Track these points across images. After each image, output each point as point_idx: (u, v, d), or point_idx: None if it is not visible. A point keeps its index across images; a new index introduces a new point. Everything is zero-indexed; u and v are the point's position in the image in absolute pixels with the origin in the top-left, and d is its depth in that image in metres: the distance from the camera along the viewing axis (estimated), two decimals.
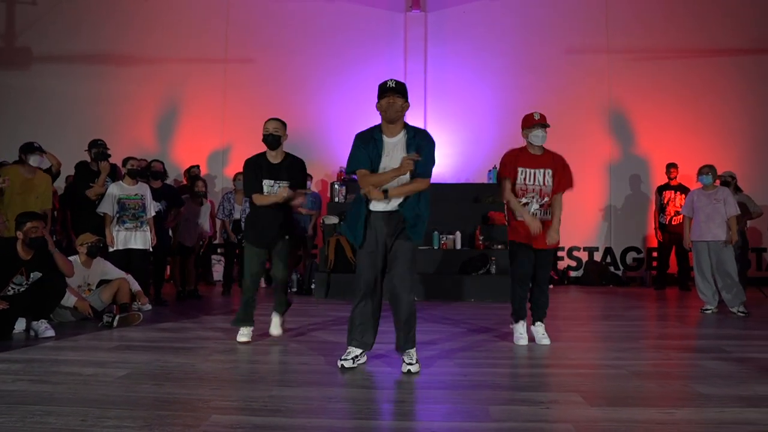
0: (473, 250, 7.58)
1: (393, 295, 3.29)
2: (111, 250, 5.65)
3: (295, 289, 7.74)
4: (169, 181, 7.27)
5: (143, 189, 5.90)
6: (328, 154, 9.50)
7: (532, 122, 4.11)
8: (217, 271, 9.17)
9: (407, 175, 3.25)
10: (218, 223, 7.80)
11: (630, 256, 9.58)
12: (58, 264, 4.49)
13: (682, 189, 8.36)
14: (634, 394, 2.84)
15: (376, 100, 3.28)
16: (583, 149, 9.23)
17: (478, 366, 3.47)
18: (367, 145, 3.29)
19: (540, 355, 3.84)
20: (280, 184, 4.09)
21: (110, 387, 2.86)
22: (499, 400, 2.72)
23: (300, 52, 9.93)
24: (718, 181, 6.23)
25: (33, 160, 5.51)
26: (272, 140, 4.11)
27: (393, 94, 3.20)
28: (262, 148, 4.17)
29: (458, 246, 7.64)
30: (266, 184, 4.10)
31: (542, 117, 4.12)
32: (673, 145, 9.34)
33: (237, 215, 7.37)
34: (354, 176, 3.44)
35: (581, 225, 9.36)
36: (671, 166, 8.58)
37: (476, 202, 8.12)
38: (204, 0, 10.18)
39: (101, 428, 2.26)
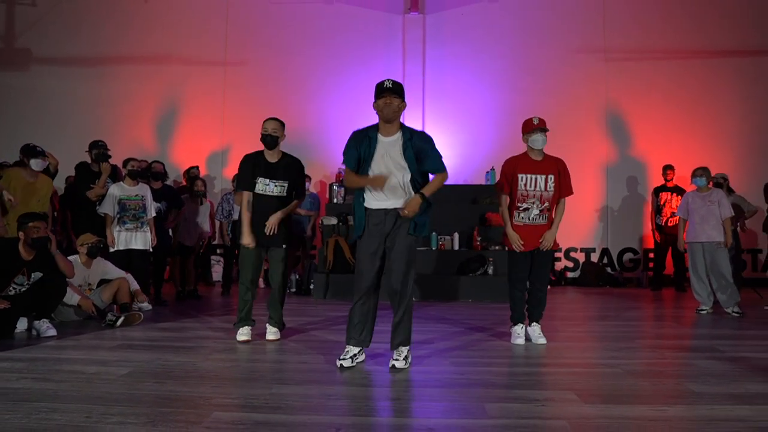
0: (471, 250, 7.63)
1: (391, 294, 3.35)
2: (112, 250, 5.69)
3: (294, 290, 7.79)
4: (168, 182, 7.32)
5: (144, 190, 5.94)
6: (327, 155, 9.56)
7: (531, 127, 4.16)
8: (217, 271, 9.22)
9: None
10: (217, 224, 7.85)
11: (626, 257, 9.64)
12: (59, 265, 4.54)
13: (679, 191, 8.43)
14: (627, 392, 2.89)
15: (374, 100, 3.33)
16: (581, 151, 9.30)
17: (474, 365, 3.52)
18: (361, 143, 3.35)
19: (536, 354, 3.89)
20: (276, 183, 4.14)
21: (113, 385, 2.91)
22: (495, 397, 2.77)
23: (299, 53, 9.99)
24: (711, 183, 6.29)
25: (35, 164, 5.54)
26: (270, 140, 4.16)
27: (390, 94, 3.25)
28: (261, 148, 4.22)
29: (456, 247, 7.70)
30: (261, 182, 4.14)
31: (541, 121, 4.17)
32: (669, 147, 9.42)
33: (236, 216, 7.41)
34: (350, 168, 3.51)
35: (578, 226, 9.42)
36: (668, 168, 8.65)
37: (474, 203, 8.17)
38: (203, 1, 10.24)
39: (106, 424, 2.31)
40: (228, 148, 9.95)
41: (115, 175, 6.27)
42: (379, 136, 3.35)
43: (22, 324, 4.38)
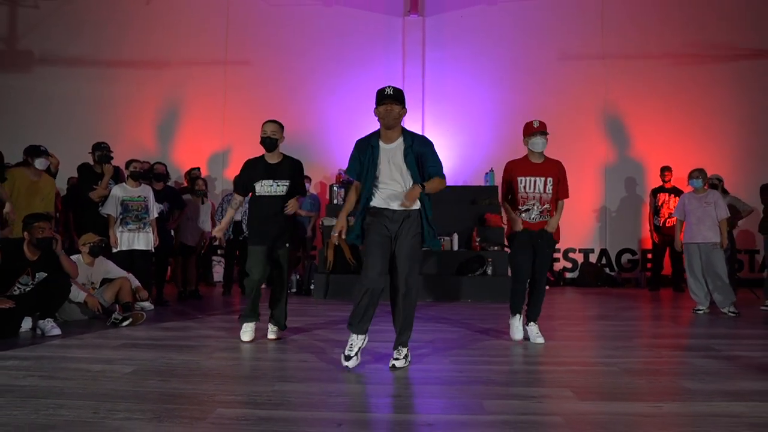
0: (470, 251, 7.69)
1: (395, 294, 3.39)
2: (115, 250, 5.75)
3: (294, 290, 7.85)
4: (170, 183, 7.37)
5: (146, 191, 6.00)
6: (327, 157, 9.63)
7: (531, 130, 4.23)
8: (218, 271, 9.27)
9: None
10: (218, 224, 7.89)
11: (625, 258, 9.70)
12: (63, 264, 4.60)
13: (676, 192, 8.49)
14: (623, 390, 2.95)
15: (374, 106, 3.37)
16: (579, 152, 9.37)
17: (473, 363, 3.58)
18: (364, 152, 3.40)
19: (534, 353, 3.95)
20: (278, 183, 4.21)
21: (118, 382, 2.96)
22: (493, 394, 2.83)
23: (299, 55, 10.05)
24: (707, 185, 6.35)
25: (39, 164, 5.60)
26: (269, 143, 4.22)
27: (391, 101, 3.29)
28: (262, 149, 4.28)
29: (455, 247, 7.76)
30: (264, 183, 4.21)
31: (541, 125, 4.24)
32: (667, 148, 9.48)
33: (238, 217, 7.47)
34: (351, 179, 3.61)
35: (577, 227, 9.47)
36: (665, 169, 8.71)
37: (473, 204, 8.24)
38: (204, 3, 10.30)
39: (113, 420, 2.36)
40: (229, 149, 10.01)
41: (118, 177, 6.33)
42: (381, 144, 3.40)
43: (26, 323, 4.44)
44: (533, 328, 4.33)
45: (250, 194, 4.35)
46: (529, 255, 4.28)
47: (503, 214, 4.55)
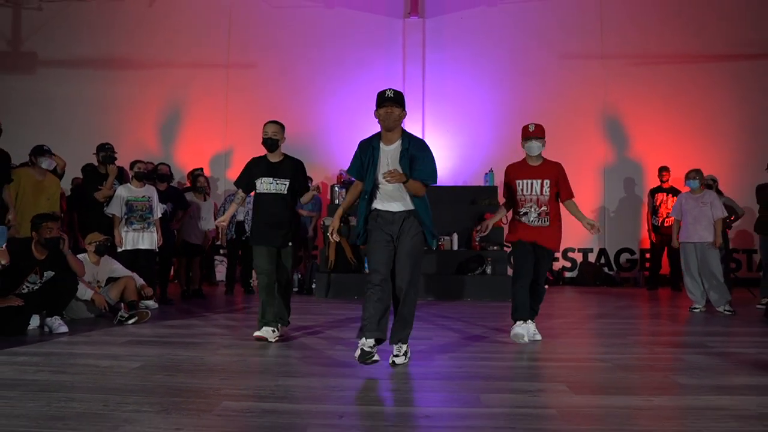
0: (470, 250, 7.79)
1: (397, 292, 3.46)
2: (120, 250, 5.84)
3: (296, 289, 7.93)
4: (173, 184, 7.46)
5: (150, 191, 6.09)
6: (328, 157, 9.72)
7: (527, 134, 4.28)
8: (220, 271, 9.36)
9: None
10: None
11: (623, 257, 9.79)
12: (70, 264, 4.70)
13: (674, 192, 8.56)
14: (617, 384, 3.03)
15: (375, 108, 3.45)
16: (579, 152, 9.45)
17: (472, 359, 3.66)
18: (365, 153, 3.50)
19: (531, 350, 4.03)
20: (278, 182, 4.30)
21: (126, 377, 3.05)
22: (491, 389, 2.92)
23: (301, 56, 10.14)
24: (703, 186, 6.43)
25: (43, 163, 5.70)
26: (270, 143, 4.31)
27: (391, 104, 3.37)
28: (264, 150, 4.37)
29: (455, 247, 7.85)
30: (264, 181, 4.30)
31: (537, 129, 4.26)
32: (666, 149, 9.56)
33: (240, 217, 7.57)
34: (353, 179, 3.71)
35: (576, 226, 9.45)
36: (663, 170, 8.78)
37: (473, 204, 8.32)
38: (206, 6, 10.39)
39: (122, 412, 2.45)
40: (231, 150, 10.11)
41: (122, 177, 6.43)
42: (381, 145, 3.49)
43: (34, 321, 4.53)
44: (530, 326, 4.38)
45: (252, 192, 4.45)
46: (530, 257, 4.30)
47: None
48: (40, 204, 5.56)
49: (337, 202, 8.36)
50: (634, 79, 9.91)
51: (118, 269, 5.53)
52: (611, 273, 9.70)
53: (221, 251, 9.34)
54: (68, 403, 2.56)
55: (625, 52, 9.97)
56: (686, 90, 9.81)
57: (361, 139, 3.59)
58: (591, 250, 9.80)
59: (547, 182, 4.29)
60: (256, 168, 4.35)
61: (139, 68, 10.26)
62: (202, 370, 3.27)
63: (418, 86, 9.89)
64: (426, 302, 6.88)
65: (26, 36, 10.48)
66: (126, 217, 5.90)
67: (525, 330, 4.24)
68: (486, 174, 8.94)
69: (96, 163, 6.35)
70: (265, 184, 4.30)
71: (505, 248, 7.62)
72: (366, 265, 6.87)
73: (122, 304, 5.21)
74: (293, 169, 4.36)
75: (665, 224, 8.50)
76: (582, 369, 3.43)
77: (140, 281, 5.63)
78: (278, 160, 4.36)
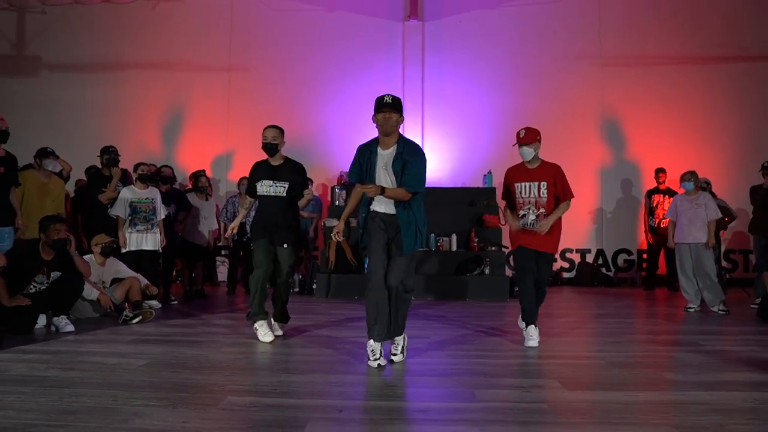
0: (468, 251, 7.89)
1: (390, 290, 3.56)
2: (124, 251, 5.95)
3: (297, 289, 8.04)
4: (175, 186, 7.56)
5: (153, 193, 6.21)
6: (329, 159, 9.82)
7: (518, 140, 4.32)
8: (221, 272, 9.47)
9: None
10: (222, 225, 8.09)
11: (621, 258, 9.87)
12: (76, 264, 4.82)
13: (671, 193, 8.64)
14: (608, 381, 3.14)
15: (374, 113, 3.54)
16: (577, 154, 9.54)
17: (468, 357, 3.77)
18: (364, 157, 3.61)
19: (527, 348, 4.12)
20: (278, 184, 4.40)
21: (134, 373, 3.16)
22: (485, 385, 3.03)
23: (301, 59, 10.24)
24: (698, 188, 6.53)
25: (48, 165, 5.81)
26: (270, 148, 4.42)
27: (389, 109, 3.47)
28: (264, 153, 4.48)
29: (454, 248, 7.95)
30: (265, 183, 4.41)
31: (527, 135, 4.28)
32: (663, 151, 9.65)
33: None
34: (353, 182, 3.82)
35: (574, 228, 9.63)
36: (660, 171, 8.88)
37: (471, 206, 8.42)
38: (208, 9, 10.50)
39: (131, 406, 2.56)
40: (232, 152, 10.22)
41: (125, 179, 6.54)
42: (379, 149, 3.60)
43: (41, 320, 4.64)
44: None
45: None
46: (531, 256, 4.35)
47: (501, 215, 4.68)
48: (45, 206, 5.66)
49: (337, 203, 8.47)
50: (632, 81, 9.99)
51: (123, 270, 5.64)
52: (609, 273, 9.79)
53: (222, 252, 9.45)
54: (79, 398, 2.67)
55: (622, 54, 10.07)
56: (684, 92, 9.90)
57: (360, 144, 3.70)
58: (589, 251, 9.90)
59: (544, 184, 4.34)
60: (257, 172, 4.48)
61: (141, 71, 10.36)
62: (206, 367, 3.38)
63: (418, 89, 10.00)
64: (425, 302, 6.99)
65: (30, 39, 10.59)
66: (130, 218, 6.01)
67: (536, 332, 4.24)
68: (485, 176, 9.03)
69: (100, 166, 6.47)
70: (265, 187, 4.41)
71: (503, 249, 7.73)
72: (366, 266, 6.97)
73: (127, 304, 5.32)
74: (293, 172, 4.46)
75: (662, 225, 8.59)
76: (575, 366, 3.53)
77: (144, 281, 5.74)
78: (279, 163, 4.47)
